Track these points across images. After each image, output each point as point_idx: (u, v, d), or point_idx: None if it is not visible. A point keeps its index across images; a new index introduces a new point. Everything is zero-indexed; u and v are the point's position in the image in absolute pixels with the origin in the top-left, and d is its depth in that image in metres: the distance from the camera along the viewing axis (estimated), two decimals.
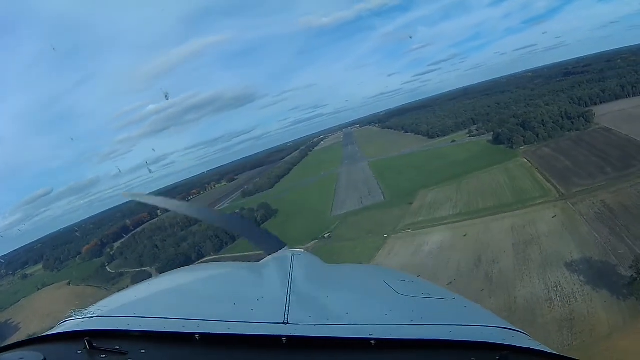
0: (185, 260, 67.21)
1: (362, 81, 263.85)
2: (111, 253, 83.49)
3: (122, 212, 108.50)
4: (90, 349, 1.74)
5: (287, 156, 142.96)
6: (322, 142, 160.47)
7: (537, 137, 72.43)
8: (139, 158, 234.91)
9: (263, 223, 77.85)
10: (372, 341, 1.81)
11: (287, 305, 2.14)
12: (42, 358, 1.66)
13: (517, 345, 1.87)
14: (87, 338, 1.78)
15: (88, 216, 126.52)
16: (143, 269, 70.37)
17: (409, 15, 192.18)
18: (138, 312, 2.13)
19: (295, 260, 3.34)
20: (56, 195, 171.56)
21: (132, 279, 63.46)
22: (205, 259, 70.23)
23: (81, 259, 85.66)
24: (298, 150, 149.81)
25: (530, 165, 63.76)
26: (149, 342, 1.83)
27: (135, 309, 2.20)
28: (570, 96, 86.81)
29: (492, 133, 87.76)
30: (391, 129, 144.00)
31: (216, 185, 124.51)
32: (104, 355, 1.71)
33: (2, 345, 1.89)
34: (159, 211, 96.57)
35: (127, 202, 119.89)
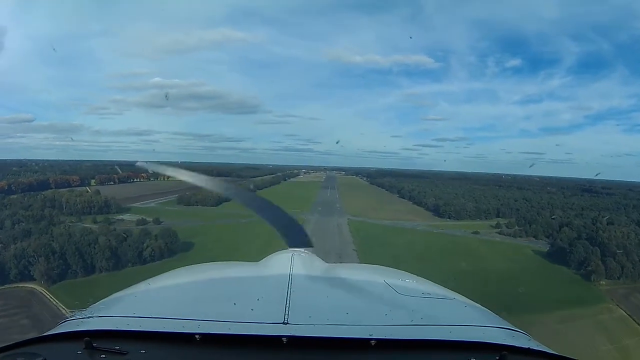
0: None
1: (364, 132, 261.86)
2: None
3: (72, 167, 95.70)
4: (90, 349, 1.75)
5: (257, 177, 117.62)
6: (300, 176, 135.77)
7: (622, 270, 50.92)
8: (125, 124, 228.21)
9: (160, 260, 55.93)
10: (372, 341, 1.81)
11: (287, 305, 2.11)
12: (42, 358, 1.68)
13: (517, 345, 1.88)
14: (86, 338, 1.78)
15: (53, 158, 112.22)
16: None
17: (438, 86, 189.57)
18: (138, 312, 2.11)
19: (295, 260, 3.27)
20: (36, 126, 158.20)
21: None
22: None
23: None
24: (271, 176, 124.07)
25: (637, 326, 40.43)
26: (149, 342, 1.82)
27: (135, 309, 2.18)
28: (635, 220, 68.08)
29: (533, 238, 66.99)
30: (382, 187, 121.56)
31: (168, 178, 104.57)
32: (104, 356, 1.72)
33: (2, 346, 1.85)
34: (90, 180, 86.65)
35: (88, 160, 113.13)
